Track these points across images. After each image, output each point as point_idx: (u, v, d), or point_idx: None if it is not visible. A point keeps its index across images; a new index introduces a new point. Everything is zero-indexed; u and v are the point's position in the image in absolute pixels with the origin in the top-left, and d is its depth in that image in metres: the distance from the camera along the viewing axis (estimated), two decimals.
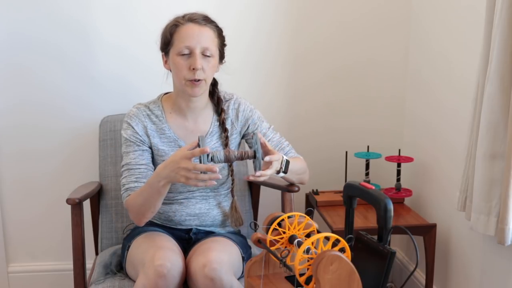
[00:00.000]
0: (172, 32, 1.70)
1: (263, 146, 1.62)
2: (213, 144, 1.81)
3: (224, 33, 1.77)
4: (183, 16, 1.72)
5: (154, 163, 1.79)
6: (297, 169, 1.78)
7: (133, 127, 1.77)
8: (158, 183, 1.60)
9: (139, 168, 1.73)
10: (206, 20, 1.71)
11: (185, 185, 1.78)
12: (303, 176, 1.86)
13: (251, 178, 1.59)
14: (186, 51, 1.68)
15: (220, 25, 1.76)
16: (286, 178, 1.82)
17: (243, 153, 1.58)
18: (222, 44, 1.76)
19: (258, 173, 1.57)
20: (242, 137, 1.89)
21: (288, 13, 2.35)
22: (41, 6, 2.21)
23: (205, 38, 1.69)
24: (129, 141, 1.76)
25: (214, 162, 1.55)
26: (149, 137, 1.78)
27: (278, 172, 1.67)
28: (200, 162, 1.51)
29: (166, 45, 1.73)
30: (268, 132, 1.87)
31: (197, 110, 1.80)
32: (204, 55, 1.69)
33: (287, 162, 1.68)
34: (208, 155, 1.53)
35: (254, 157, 1.57)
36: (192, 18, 1.70)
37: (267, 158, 1.59)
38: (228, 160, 1.57)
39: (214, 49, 1.71)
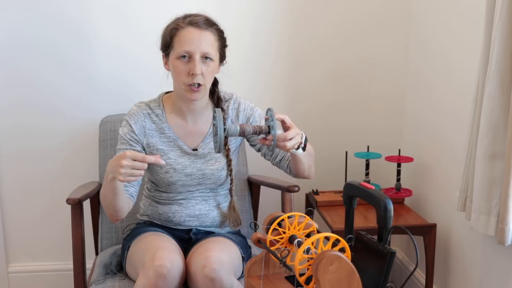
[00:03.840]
0: (172, 35, 1.69)
1: (283, 122, 1.58)
2: (212, 145, 1.81)
3: (225, 35, 1.76)
4: (184, 19, 1.70)
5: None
6: (310, 152, 1.76)
7: (130, 126, 1.76)
8: (107, 177, 1.56)
9: None
10: (207, 24, 1.69)
11: (184, 186, 1.78)
12: (313, 165, 1.82)
13: (267, 143, 1.54)
14: (185, 54, 1.67)
15: (222, 26, 1.75)
16: (299, 162, 1.73)
17: (257, 128, 1.52)
18: (223, 46, 1.75)
19: (281, 142, 1.55)
20: (247, 139, 1.89)
21: (288, 13, 2.35)
22: (40, 6, 2.21)
23: (205, 42, 1.67)
24: (123, 138, 1.76)
25: (229, 136, 1.50)
26: (147, 136, 1.77)
27: (298, 147, 1.64)
28: (216, 135, 1.45)
29: (166, 47, 1.72)
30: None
31: (197, 112, 1.80)
32: (203, 59, 1.68)
33: (306, 139, 1.66)
34: (224, 129, 1.48)
35: (269, 132, 1.52)
36: (192, 22, 1.68)
37: (281, 136, 1.54)
38: (242, 134, 1.51)
39: (214, 53, 1.69)
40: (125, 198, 1.66)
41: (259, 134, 1.53)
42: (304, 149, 1.65)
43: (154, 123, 1.79)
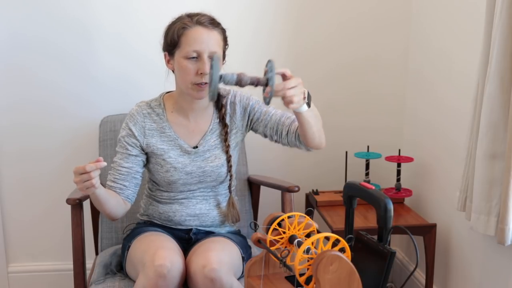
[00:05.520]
0: (180, 35, 1.68)
1: (283, 76, 1.48)
2: (213, 141, 1.81)
3: (227, 34, 1.76)
4: (191, 18, 1.69)
5: (154, 162, 1.79)
6: (316, 113, 1.67)
7: (130, 128, 1.77)
8: None
9: (120, 170, 1.76)
10: (213, 24, 1.70)
11: (185, 184, 1.79)
12: (322, 131, 1.72)
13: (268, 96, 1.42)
14: (194, 55, 1.67)
15: (224, 26, 1.75)
16: (306, 124, 1.62)
17: (255, 79, 1.44)
18: (225, 45, 1.76)
19: (280, 92, 1.44)
20: (252, 128, 1.85)
21: (288, 13, 2.35)
22: (41, 5, 2.21)
23: (213, 42, 1.68)
24: (121, 141, 1.78)
25: (224, 83, 1.43)
26: (147, 137, 1.78)
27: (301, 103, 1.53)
28: (211, 79, 1.38)
29: (172, 46, 1.71)
30: (270, 108, 1.81)
31: (199, 110, 1.80)
32: (211, 58, 1.68)
33: (309, 95, 1.56)
34: (220, 76, 1.41)
35: (267, 84, 1.41)
36: (200, 21, 1.68)
37: (279, 86, 1.44)
38: (239, 83, 1.43)
39: (220, 53, 1.71)
40: (113, 203, 1.70)
41: (256, 85, 1.45)
42: (309, 105, 1.56)
43: (155, 123, 1.79)
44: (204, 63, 1.66)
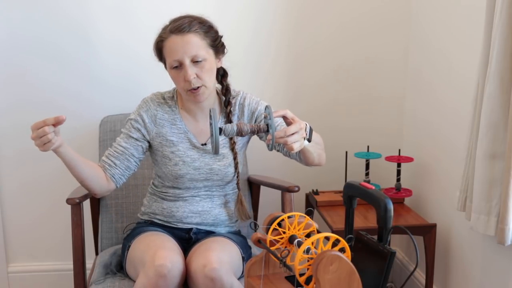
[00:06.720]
0: (160, 48, 1.71)
1: (284, 117, 1.51)
2: (220, 141, 1.81)
3: (213, 26, 1.72)
4: (166, 27, 1.70)
5: (161, 155, 1.79)
6: (317, 140, 1.71)
7: (140, 114, 1.79)
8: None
9: (116, 148, 1.78)
10: (189, 25, 1.67)
11: (191, 180, 1.79)
12: (322, 153, 1.76)
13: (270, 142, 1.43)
14: (176, 64, 1.68)
15: (204, 17, 1.71)
16: (307, 152, 1.66)
17: (255, 126, 1.46)
18: (213, 40, 1.71)
19: (282, 140, 1.45)
20: (256, 134, 1.86)
21: (288, 13, 2.35)
22: (40, 5, 2.21)
23: (190, 46, 1.66)
24: (128, 123, 1.81)
25: (225, 136, 1.46)
26: (158, 126, 1.79)
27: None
28: (212, 135, 1.41)
29: (160, 59, 1.75)
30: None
31: (206, 109, 1.80)
32: (194, 62, 1.67)
33: (311, 129, 1.58)
34: (220, 129, 1.43)
35: (267, 130, 1.44)
36: (173, 29, 1.67)
37: (280, 133, 1.44)
38: (240, 133, 1.46)
39: (203, 53, 1.67)
40: (88, 171, 1.67)
41: (257, 133, 1.49)
42: (309, 140, 1.58)
43: (166, 113, 1.80)
44: (186, 71, 1.66)
